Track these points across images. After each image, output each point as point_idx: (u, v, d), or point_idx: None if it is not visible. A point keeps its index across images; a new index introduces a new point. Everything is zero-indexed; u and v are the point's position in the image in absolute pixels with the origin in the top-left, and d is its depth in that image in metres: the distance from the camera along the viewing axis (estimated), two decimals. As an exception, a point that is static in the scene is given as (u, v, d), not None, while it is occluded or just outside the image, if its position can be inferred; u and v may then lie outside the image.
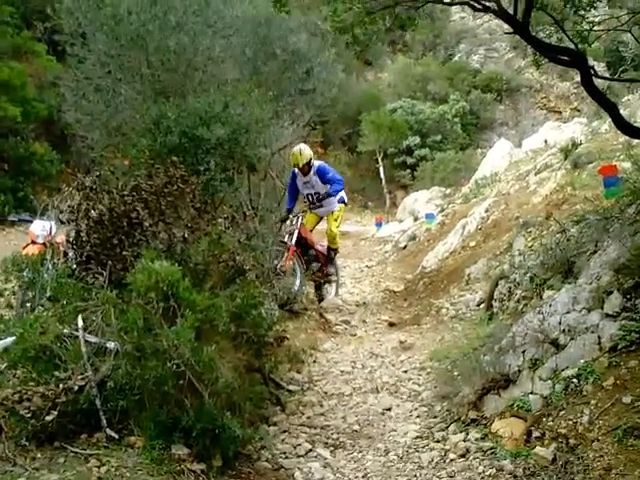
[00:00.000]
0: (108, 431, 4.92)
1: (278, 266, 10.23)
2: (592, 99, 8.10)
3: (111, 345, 5.15)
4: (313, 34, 13.68)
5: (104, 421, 4.93)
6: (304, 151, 11.02)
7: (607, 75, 20.78)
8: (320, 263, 11.63)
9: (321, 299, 11.86)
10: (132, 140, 8.24)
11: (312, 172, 11.15)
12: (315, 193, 11.28)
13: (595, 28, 8.51)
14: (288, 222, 11.22)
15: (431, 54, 50.20)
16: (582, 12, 8.16)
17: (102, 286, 5.74)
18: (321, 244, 11.84)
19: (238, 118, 8.15)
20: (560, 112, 43.79)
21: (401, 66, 47.25)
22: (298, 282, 10.62)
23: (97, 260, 6.09)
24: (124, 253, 6.00)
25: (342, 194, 11.86)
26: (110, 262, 5.94)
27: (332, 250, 11.85)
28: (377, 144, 35.68)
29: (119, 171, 7.04)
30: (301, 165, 10.96)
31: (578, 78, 8.37)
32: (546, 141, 21.47)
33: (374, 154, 36.17)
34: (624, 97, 19.25)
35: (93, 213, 6.22)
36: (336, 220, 11.73)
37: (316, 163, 11.26)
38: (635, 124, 8.81)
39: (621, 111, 8.16)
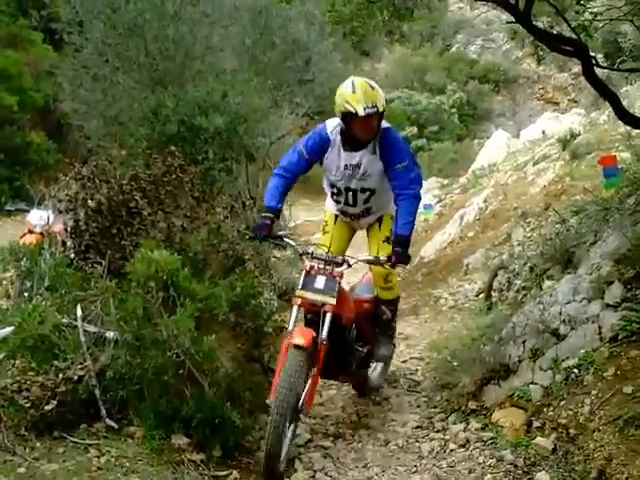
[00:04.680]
0: (108, 421, 4.91)
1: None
2: (593, 89, 8.08)
3: (110, 335, 5.13)
4: (311, 24, 13.66)
5: (103, 411, 4.92)
6: (377, 88, 5.55)
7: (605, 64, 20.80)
8: (367, 346, 6.37)
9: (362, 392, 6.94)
10: (130, 129, 8.22)
11: (373, 145, 5.72)
12: (364, 190, 5.94)
13: (596, 19, 8.49)
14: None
15: (429, 44, 50.20)
16: (583, 2, 8.13)
17: (101, 275, 5.71)
18: (363, 287, 6.70)
19: (237, 107, 8.15)
20: (557, 103, 43.78)
21: (398, 56, 47.30)
22: None
23: (96, 249, 6.07)
24: (123, 242, 5.97)
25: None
26: (109, 251, 5.91)
27: (387, 305, 6.43)
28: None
29: (117, 160, 7.01)
30: (368, 112, 5.38)
31: (576, 69, 8.42)
32: (544, 132, 21.44)
33: (372, 145, 36.17)
34: (623, 88, 19.24)
35: (91, 202, 6.19)
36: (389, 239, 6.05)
37: (384, 124, 5.72)
38: (634, 114, 8.79)
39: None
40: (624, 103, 8.63)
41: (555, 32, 8.17)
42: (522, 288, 8.06)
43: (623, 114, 7.66)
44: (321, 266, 5.50)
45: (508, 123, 42.07)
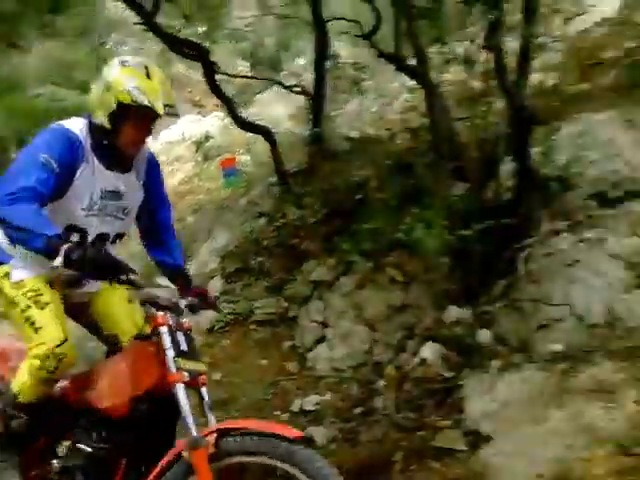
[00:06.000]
0: None
1: None
2: (212, 92, 8.43)
3: None
4: None
5: None
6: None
7: (250, 74, 21.74)
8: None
9: None
10: None
11: (137, 166, 3.58)
12: (117, 237, 3.59)
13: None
14: None
15: (81, 41, 49.07)
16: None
17: None
18: None
19: None
20: (203, 106, 44.88)
21: (49, 51, 45.72)
22: None
23: None
24: None
25: None
26: None
27: None
28: (8, 130, 34.27)
29: None
30: (169, 112, 3.31)
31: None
32: (183, 133, 21.89)
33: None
34: (258, 94, 20.26)
35: None
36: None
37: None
38: (258, 120, 9.26)
39: (253, 108, 8.61)
40: (255, 110, 9.10)
41: (182, 37, 8.42)
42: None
43: (235, 118, 8.12)
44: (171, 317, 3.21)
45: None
